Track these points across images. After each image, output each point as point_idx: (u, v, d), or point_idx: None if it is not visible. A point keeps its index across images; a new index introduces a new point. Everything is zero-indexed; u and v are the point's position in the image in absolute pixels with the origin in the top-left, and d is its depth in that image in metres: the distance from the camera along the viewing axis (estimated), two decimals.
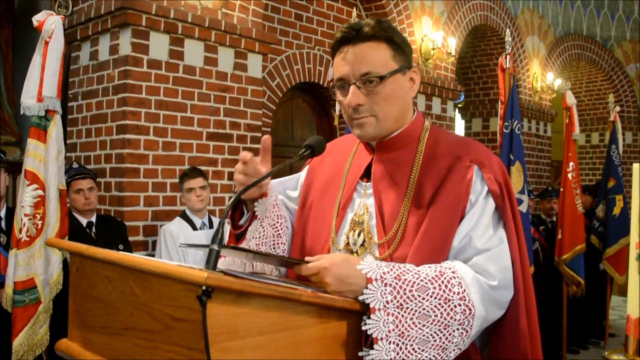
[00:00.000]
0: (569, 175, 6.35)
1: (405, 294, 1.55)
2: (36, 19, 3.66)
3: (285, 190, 2.10)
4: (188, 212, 4.52)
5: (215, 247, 1.41)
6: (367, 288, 1.54)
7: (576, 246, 6.30)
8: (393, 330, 1.52)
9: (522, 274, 1.76)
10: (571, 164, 6.38)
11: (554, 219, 7.01)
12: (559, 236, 6.38)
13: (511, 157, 5.15)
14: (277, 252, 1.93)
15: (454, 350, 1.61)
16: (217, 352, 1.25)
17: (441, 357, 1.59)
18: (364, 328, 1.52)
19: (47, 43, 3.62)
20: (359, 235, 1.81)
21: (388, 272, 1.57)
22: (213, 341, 1.23)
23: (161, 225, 4.59)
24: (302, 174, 2.10)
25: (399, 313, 1.54)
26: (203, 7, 5.03)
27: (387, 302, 1.53)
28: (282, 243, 1.94)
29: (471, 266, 1.69)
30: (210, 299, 1.22)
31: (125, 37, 4.65)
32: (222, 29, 5.11)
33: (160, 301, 1.34)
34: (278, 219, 1.93)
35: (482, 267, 1.68)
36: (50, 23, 3.62)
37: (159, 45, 4.78)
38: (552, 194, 7.17)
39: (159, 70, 4.79)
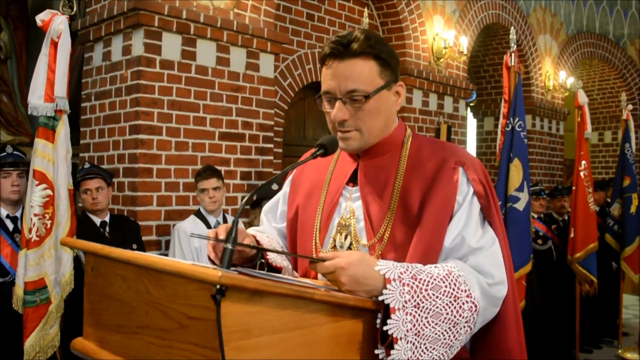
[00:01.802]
0: (581, 174, 6.33)
1: (421, 293, 1.57)
2: (40, 19, 3.65)
3: (277, 213, 2.15)
4: (203, 211, 4.52)
5: (229, 246, 1.42)
6: (385, 288, 1.56)
7: (589, 244, 6.27)
8: (410, 329, 1.54)
9: (509, 273, 1.80)
10: (583, 162, 6.35)
11: (566, 217, 6.98)
12: (572, 235, 6.35)
13: (511, 155, 5.12)
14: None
15: (457, 347, 1.65)
16: (231, 350, 1.26)
17: (447, 355, 1.62)
18: (385, 328, 1.53)
19: (55, 43, 3.62)
20: (345, 238, 1.85)
21: (405, 272, 1.59)
22: (227, 339, 1.24)
23: (174, 225, 4.61)
24: (286, 188, 2.14)
25: (416, 312, 1.55)
26: (215, 7, 5.04)
27: (406, 302, 1.55)
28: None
29: (468, 265, 1.72)
30: (225, 298, 1.23)
31: (138, 37, 4.67)
32: (234, 29, 5.12)
33: (175, 300, 1.35)
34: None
35: (478, 265, 1.72)
36: (58, 23, 3.61)
37: (171, 45, 4.80)
38: (562, 192, 7.14)
39: (172, 71, 4.81)
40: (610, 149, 11.72)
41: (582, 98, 6.42)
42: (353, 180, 1.91)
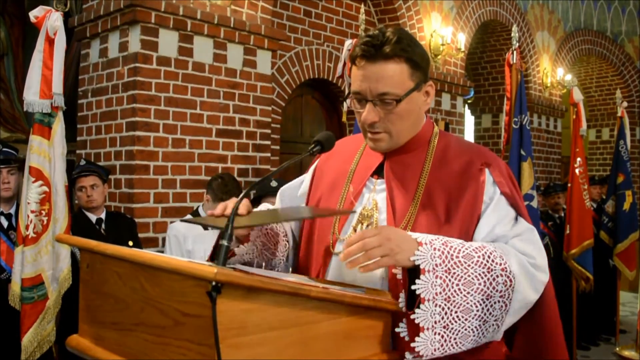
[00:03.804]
0: (577, 171, 6.34)
1: (452, 259, 1.59)
2: (33, 15, 3.62)
3: (297, 193, 2.15)
4: (201, 211, 4.37)
5: (225, 242, 1.41)
6: (417, 250, 1.57)
7: (584, 241, 6.29)
8: (440, 293, 1.56)
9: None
10: (578, 159, 6.37)
11: (562, 214, 6.99)
12: (567, 231, 6.36)
13: (522, 153, 5.13)
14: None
15: (493, 324, 1.64)
16: (227, 347, 1.25)
17: (481, 330, 1.62)
18: (413, 288, 1.55)
19: (51, 40, 3.60)
20: (366, 228, 1.83)
21: (436, 239, 1.61)
22: (223, 337, 1.24)
23: (171, 222, 4.59)
24: (308, 175, 2.14)
25: (446, 277, 1.57)
26: (212, 3, 5.03)
27: (436, 265, 1.56)
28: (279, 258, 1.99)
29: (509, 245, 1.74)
30: (220, 295, 1.23)
31: (135, 34, 4.66)
32: (231, 25, 5.11)
33: (170, 297, 1.34)
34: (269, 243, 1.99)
35: (519, 247, 1.73)
36: (54, 20, 3.60)
37: (168, 42, 4.79)
38: (555, 189, 7.18)
39: (169, 67, 4.79)
40: (607, 146, 11.72)
41: (577, 95, 6.42)
42: (377, 173, 1.91)
